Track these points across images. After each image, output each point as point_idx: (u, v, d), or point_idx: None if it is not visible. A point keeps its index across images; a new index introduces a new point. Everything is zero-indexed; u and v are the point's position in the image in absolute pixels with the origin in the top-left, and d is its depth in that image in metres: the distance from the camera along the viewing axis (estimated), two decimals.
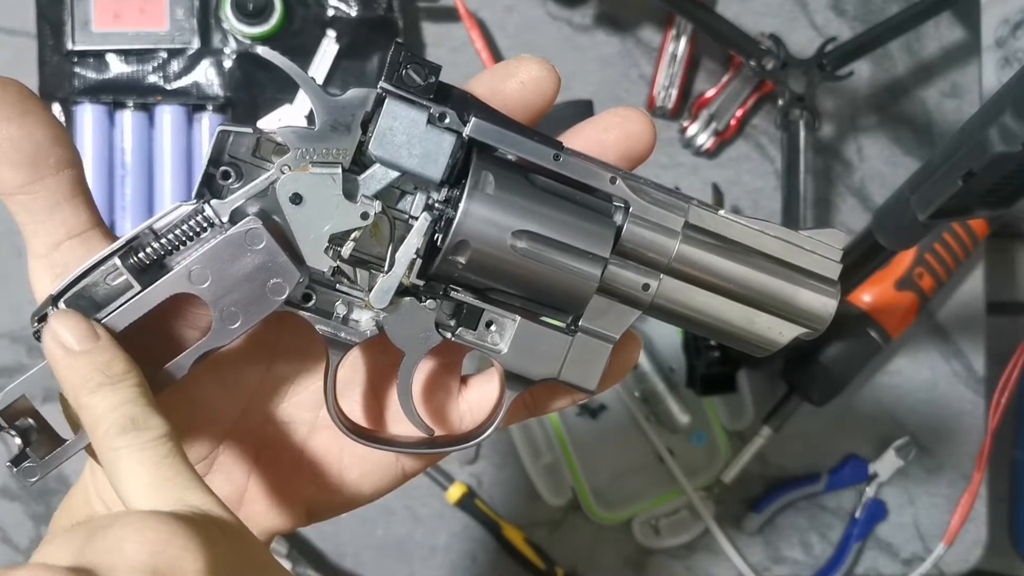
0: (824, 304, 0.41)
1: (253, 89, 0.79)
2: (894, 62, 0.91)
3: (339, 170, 0.38)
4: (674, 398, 0.85)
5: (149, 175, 0.79)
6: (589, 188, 0.40)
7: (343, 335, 0.40)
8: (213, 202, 0.37)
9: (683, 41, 0.86)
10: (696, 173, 0.88)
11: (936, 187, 0.53)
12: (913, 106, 0.91)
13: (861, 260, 0.68)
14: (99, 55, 0.77)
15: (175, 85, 0.78)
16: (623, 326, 0.41)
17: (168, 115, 0.78)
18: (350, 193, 0.38)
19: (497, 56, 0.85)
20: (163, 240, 0.37)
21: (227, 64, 0.78)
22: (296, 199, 0.37)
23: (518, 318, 0.40)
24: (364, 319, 0.40)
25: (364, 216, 0.38)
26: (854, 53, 0.83)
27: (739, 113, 0.86)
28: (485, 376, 0.45)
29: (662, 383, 0.85)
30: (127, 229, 0.77)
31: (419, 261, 0.39)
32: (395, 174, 0.38)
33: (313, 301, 0.39)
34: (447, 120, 0.37)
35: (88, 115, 0.78)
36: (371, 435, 0.43)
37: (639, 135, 0.40)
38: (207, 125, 0.79)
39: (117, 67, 0.78)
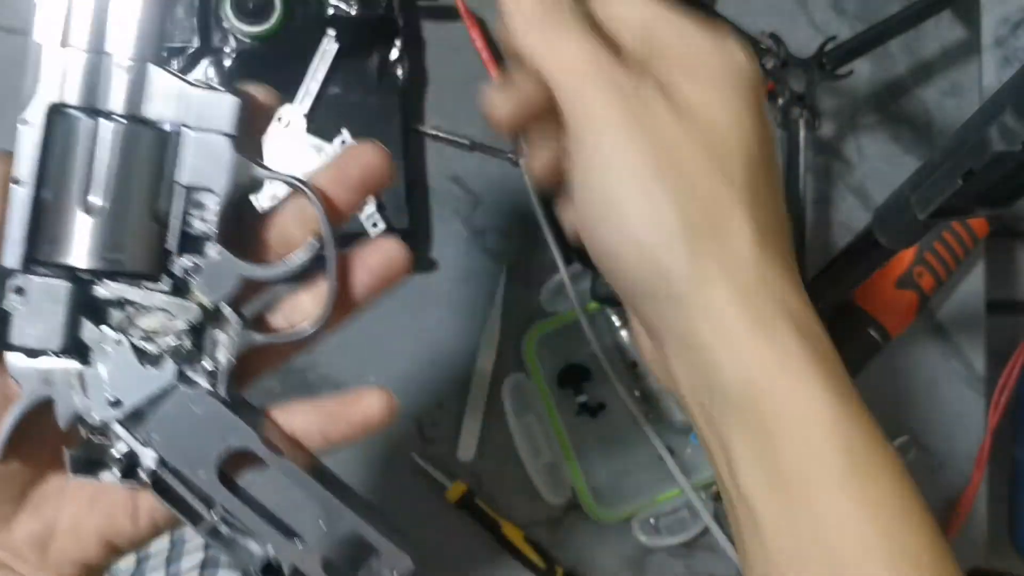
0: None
1: None
2: (894, 61, 0.91)
3: None
4: (674, 397, 0.85)
5: None
6: None
7: None
8: None
9: None
10: None
11: (936, 186, 0.53)
12: (913, 105, 0.91)
13: (861, 259, 0.68)
14: None
15: None
16: None
17: None
18: None
19: (497, 55, 0.84)
20: None
21: (227, 63, 0.78)
22: None
23: None
24: None
25: None
26: (854, 52, 0.83)
27: None
28: None
29: None
30: None
31: None
32: None
33: None
34: None
35: None
36: None
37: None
38: None
39: None
